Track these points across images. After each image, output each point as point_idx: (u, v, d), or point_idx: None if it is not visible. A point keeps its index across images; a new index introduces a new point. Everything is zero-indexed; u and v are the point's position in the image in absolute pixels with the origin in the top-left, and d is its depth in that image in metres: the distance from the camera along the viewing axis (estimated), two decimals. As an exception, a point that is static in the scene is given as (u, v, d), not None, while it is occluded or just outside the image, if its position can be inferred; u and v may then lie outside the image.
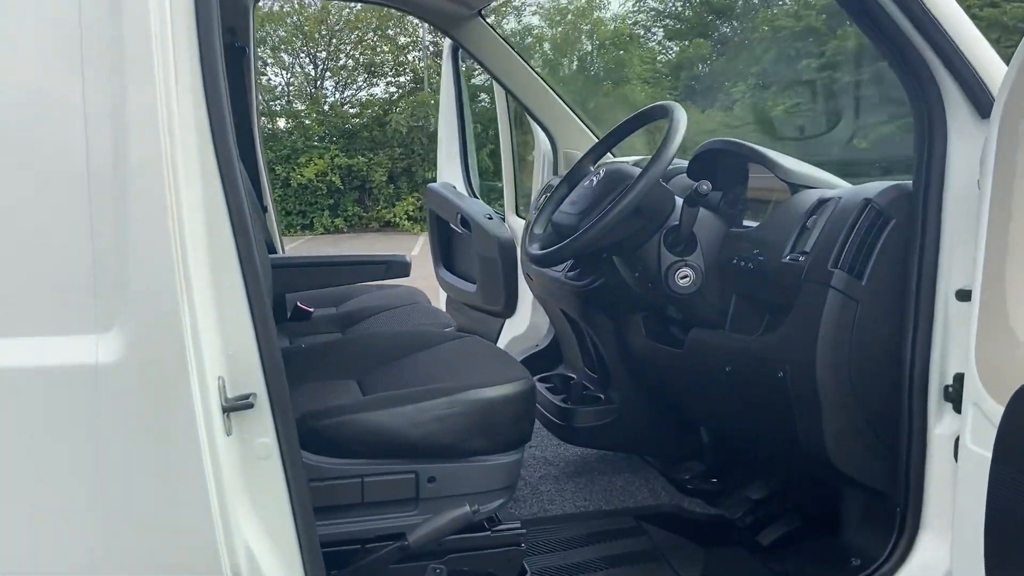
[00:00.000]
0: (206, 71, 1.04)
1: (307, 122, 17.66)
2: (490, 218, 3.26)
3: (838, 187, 1.53)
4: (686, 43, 14.26)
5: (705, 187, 1.49)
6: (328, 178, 16.59)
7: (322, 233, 16.57)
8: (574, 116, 2.85)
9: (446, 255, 3.70)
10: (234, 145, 1.07)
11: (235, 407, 1.09)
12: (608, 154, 2.34)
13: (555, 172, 2.94)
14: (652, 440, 2.06)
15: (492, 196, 3.74)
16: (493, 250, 3.18)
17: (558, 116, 2.85)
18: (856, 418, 1.31)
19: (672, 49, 14.91)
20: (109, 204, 1.02)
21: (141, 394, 1.05)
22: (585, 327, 2.04)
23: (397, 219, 16.76)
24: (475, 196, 3.62)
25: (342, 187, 16.79)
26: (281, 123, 17.96)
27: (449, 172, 3.71)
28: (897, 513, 1.30)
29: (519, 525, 1.46)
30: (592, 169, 1.85)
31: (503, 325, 3.28)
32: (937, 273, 1.22)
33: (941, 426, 1.24)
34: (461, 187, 3.64)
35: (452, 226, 3.53)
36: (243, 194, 1.07)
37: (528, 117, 2.89)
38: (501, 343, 3.26)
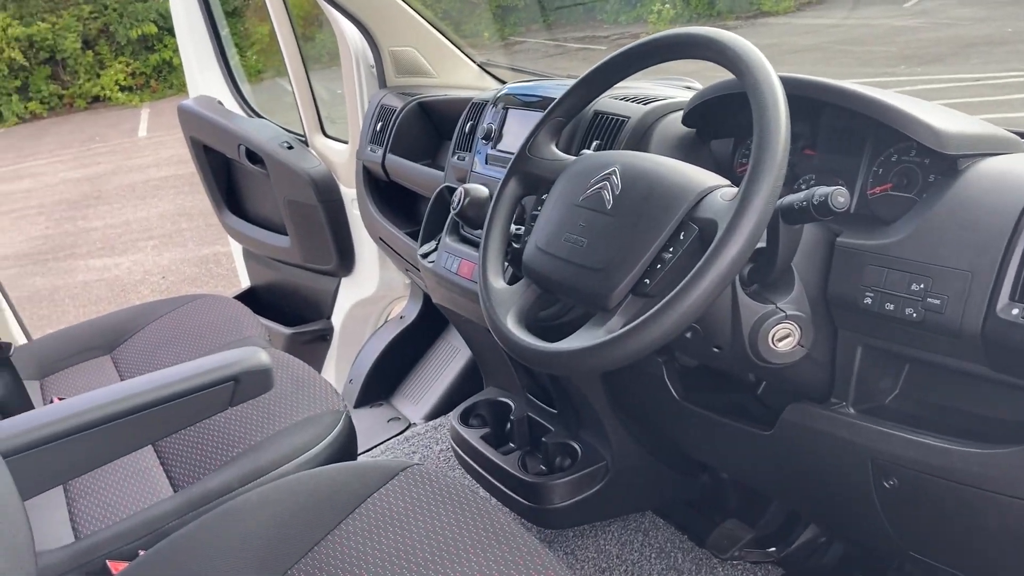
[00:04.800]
0: None
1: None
2: (289, 147, 2.38)
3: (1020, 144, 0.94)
4: None
5: (842, 199, 0.83)
6: (5, 55, 13.49)
7: (16, 123, 13.68)
8: (399, 1, 1.97)
9: (231, 195, 2.76)
10: None
11: None
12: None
13: (383, 83, 2.08)
14: (657, 497, 1.50)
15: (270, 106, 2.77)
16: (306, 192, 2.34)
17: (375, 2, 1.96)
18: None
19: None
20: None
21: None
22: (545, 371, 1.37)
23: (107, 91, 14.16)
24: (253, 113, 2.65)
25: (27, 63, 13.76)
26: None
27: (206, 82, 2.68)
28: None
29: None
30: (562, 154, 1.09)
31: (339, 285, 2.49)
32: None
33: None
34: (229, 102, 2.65)
35: (230, 157, 2.58)
36: None
37: (327, 3, 1.97)
38: (340, 310, 2.49)
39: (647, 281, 0.89)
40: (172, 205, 7.10)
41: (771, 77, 0.86)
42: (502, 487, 1.46)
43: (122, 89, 14.25)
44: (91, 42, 14.30)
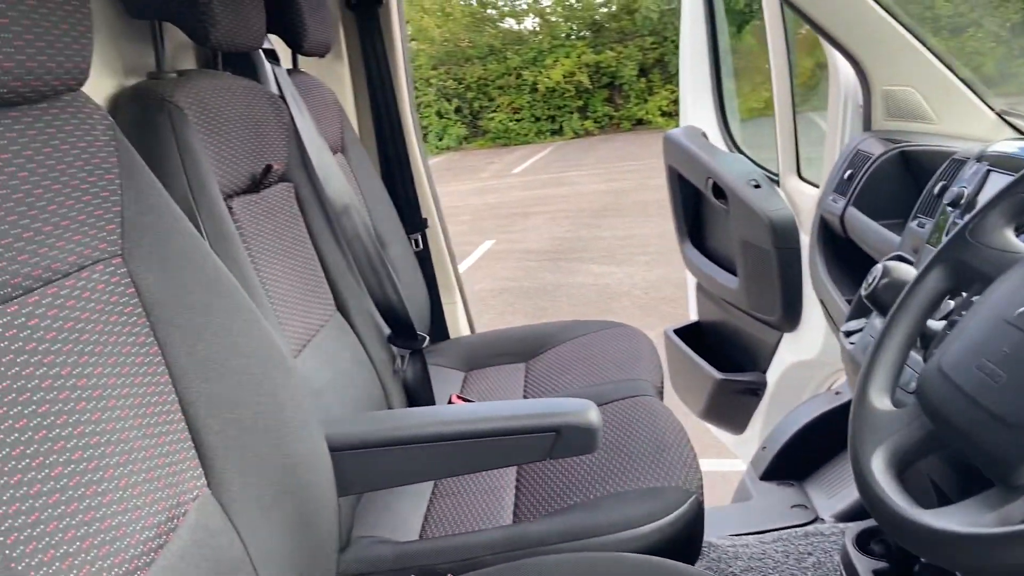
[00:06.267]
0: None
1: (553, 18, 16.71)
2: (756, 186, 2.23)
3: None
4: None
5: None
6: (575, 78, 15.66)
7: (572, 138, 15.80)
8: (903, 31, 1.67)
9: (694, 227, 2.73)
10: None
11: None
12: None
13: (868, 126, 1.81)
14: None
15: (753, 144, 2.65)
16: (762, 235, 2.17)
17: (872, 33, 1.70)
18: None
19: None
20: None
21: None
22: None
23: (649, 115, 15.48)
24: (735, 148, 2.56)
25: (591, 86, 15.79)
26: (528, 22, 17.22)
27: (696, 114, 2.67)
28: None
29: None
30: (1021, 244, 0.78)
31: (780, 339, 2.27)
32: None
33: None
34: (714, 135, 2.60)
35: (700, 190, 2.54)
36: None
37: (819, 35, 1.77)
38: (777, 367, 2.26)
39: None
40: (670, 225, 7.42)
41: None
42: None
43: (663, 114, 15.41)
44: (646, 70, 15.74)
